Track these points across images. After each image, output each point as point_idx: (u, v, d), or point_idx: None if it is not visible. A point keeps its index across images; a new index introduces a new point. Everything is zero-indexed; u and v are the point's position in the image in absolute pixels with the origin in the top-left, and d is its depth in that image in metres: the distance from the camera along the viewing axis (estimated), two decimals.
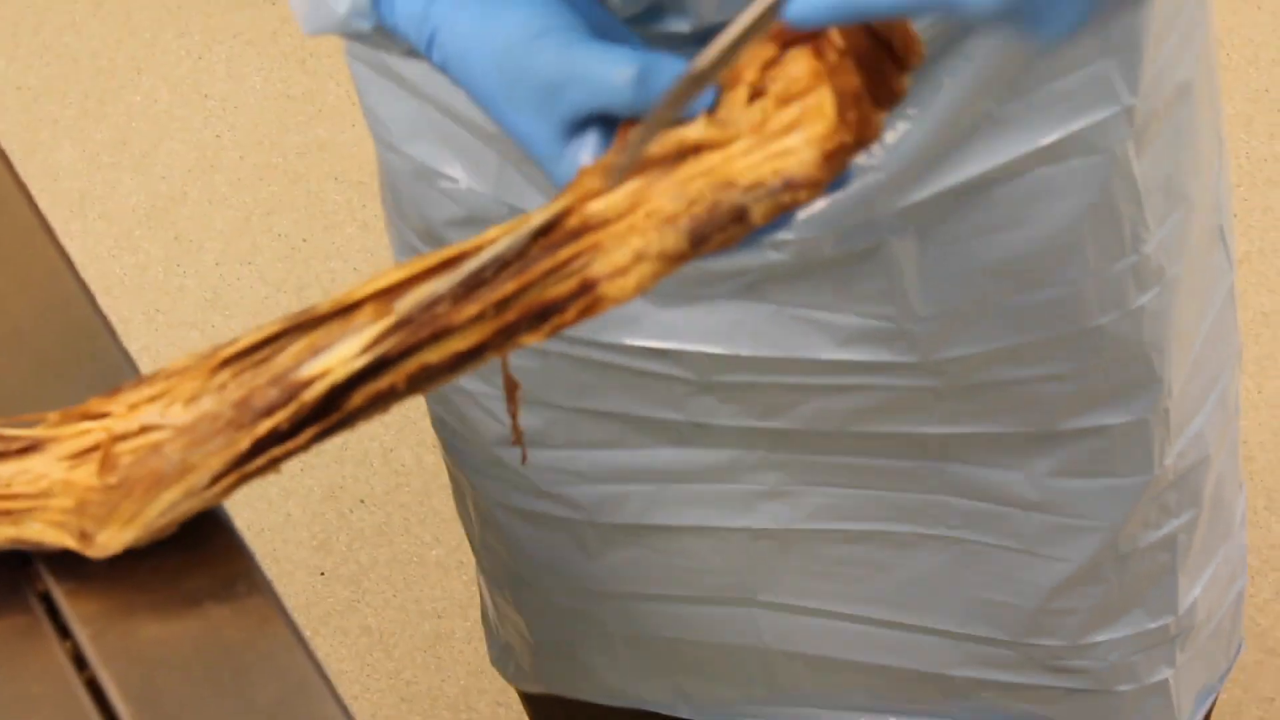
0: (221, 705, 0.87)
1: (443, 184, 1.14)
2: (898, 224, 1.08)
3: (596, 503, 1.28)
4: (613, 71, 0.83)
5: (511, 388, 1.00)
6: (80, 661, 0.89)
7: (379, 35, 0.91)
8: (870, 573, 1.29)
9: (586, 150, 0.86)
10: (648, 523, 1.28)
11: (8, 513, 0.91)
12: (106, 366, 1.01)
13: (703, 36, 0.88)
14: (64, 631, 0.91)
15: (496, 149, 1.09)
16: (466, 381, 1.25)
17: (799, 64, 0.84)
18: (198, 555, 0.92)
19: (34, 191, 1.11)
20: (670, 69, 0.83)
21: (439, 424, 1.34)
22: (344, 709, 0.87)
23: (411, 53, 0.91)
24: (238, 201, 2.55)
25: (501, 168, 1.11)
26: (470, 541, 1.44)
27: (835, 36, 0.81)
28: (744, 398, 1.19)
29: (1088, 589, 1.27)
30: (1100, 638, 1.30)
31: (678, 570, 1.31)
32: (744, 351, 1.15)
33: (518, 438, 1.04)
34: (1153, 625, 1.30)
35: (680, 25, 0.96)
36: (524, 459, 1.08)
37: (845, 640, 1.34)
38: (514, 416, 1.02)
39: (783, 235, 1.08)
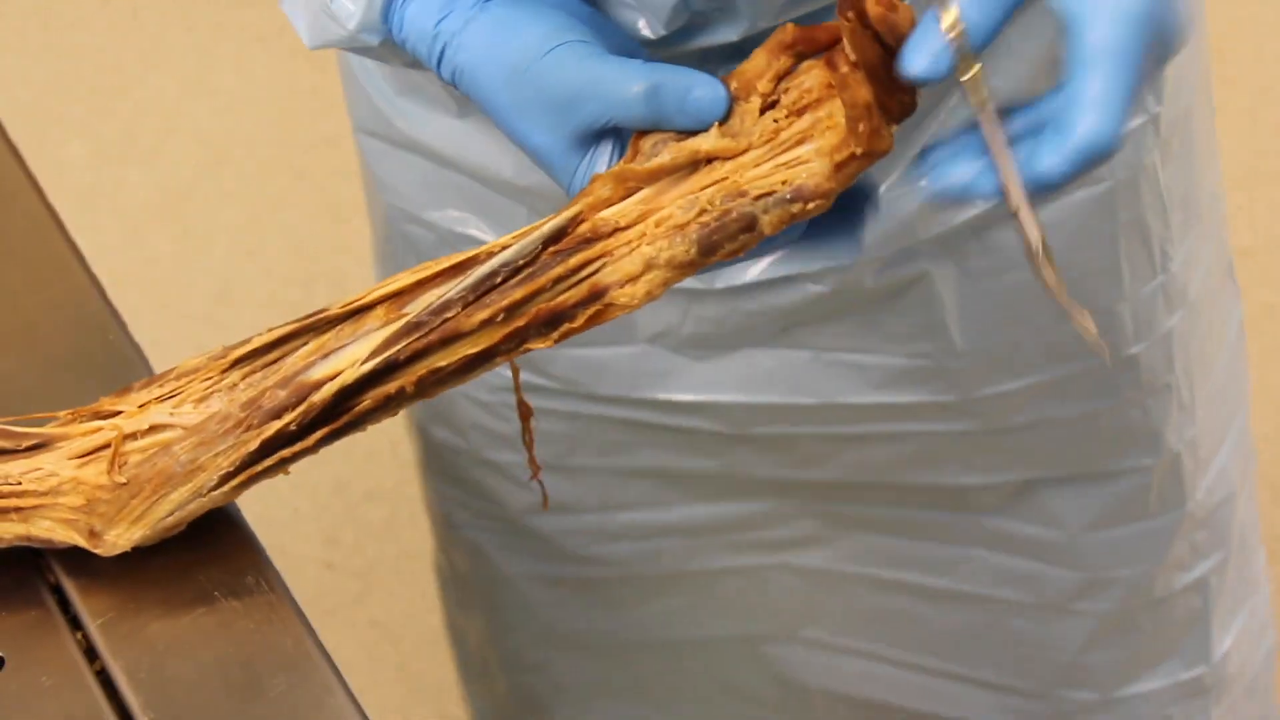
0: (230, 697, 0.87)
1: (471, 247, 1.12)
2: (938, 252, 1.07)
3: (629, 559, 1.27)
4: (627, 85, 0.84)
5: (525, 414, 1.01)
6: (91, 653, 0.90)
7: (385, 50, 0.91)
8: (907, 620, 1.28)
9: (600, 161, 0.86)
10: (684, 569, 1.28)
11: (17, 510, 0.91)
12: (117, 360, 1.01)
13: (748, 47, 0.89)
14: (75, 623, 0.91)
15: (527, 204, 1.09)
16: (494, 453, 1.24)
17: (812, 76, 0.85)
18: (207, 548, 0.92)
19: (44, 186, 1.12)
20: (681, 82, 0.84)
21: (450, 511, 1.31)
22: (352, 700, 0.88)
23: (416, 64, 0.91)
24: (246, 196, 2.55)
25: (532, 220, 1.10)
26: (456, 628, 1.42)
27: (847, 49, 0.82)
28: (780, 448, 1.18)
29: (1121, 639, 1.26)
30: (1134, 689, 1.29)
31: (717, 609, 1.30)
32: (780, 399, 1.15)
33: (535, 472, 1.04)
34: (1186, 676, 1.29)
35: (729, 34, 0.95)
36: (545, 504, 1.08)
37: (885, 684, 1.33)
38: (530, 447, 1.02)
39: (822, 265, 1.08)
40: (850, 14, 0.81)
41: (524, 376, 1.14)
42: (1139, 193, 1.08)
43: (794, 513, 1.22)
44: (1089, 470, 1.18)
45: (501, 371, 1.00)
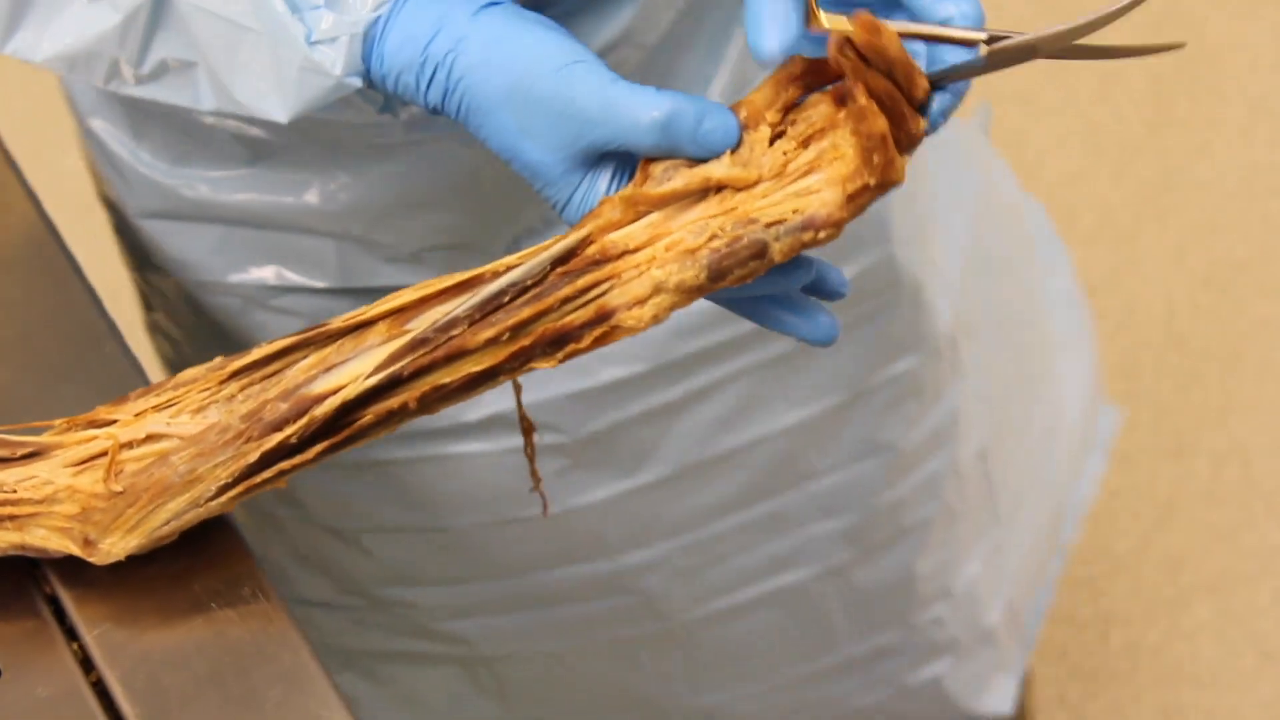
0: (226, 707, 0.87)
1: (280, 300, 1.12)
2: None
3: (486, 636, 1.28)
4: (641, 113, 0.83)
5: (528, 429, 1.01)
6: (87, 663, 0.90)
7: (361, 95, 0.91)
8: (765, 642, 1.32)
9: (601, 182, 0.86)
10: (547, 649, 1.29)
11: (12, 518, 0.91)
12: (113, 371, 1.01)
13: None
14: (71, 633, 0.91)
15: (335, 237, 1.08)
16: (343, 522, 1.24)
17: (819, 109, 0.86)
18: (203, 558, 0.92)
19: (41, 196, 1.12)
20: (694, 111, 0.84)
21: (299, 591, 1.31)
22: (348, 709, 0.88)
23: (388, 108, 0.91)
24: None
25: (341, 252, 1.09)
26: None
27: (855, 89, 0.83)
28: (613, 449, 1.19)
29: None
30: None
31: (578, 697, 1.32)
32: (610, 377, 1.16)
33: (537, 483, 1.04)
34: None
35: None
36: (545, 509, 1.09)
37: (783, 712, 1.36)
38: (531, 460, 1.02)
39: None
40: (849, 52, 0.82)
41: None
42: None
43: (642, 565, 1.25)
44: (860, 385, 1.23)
45: None
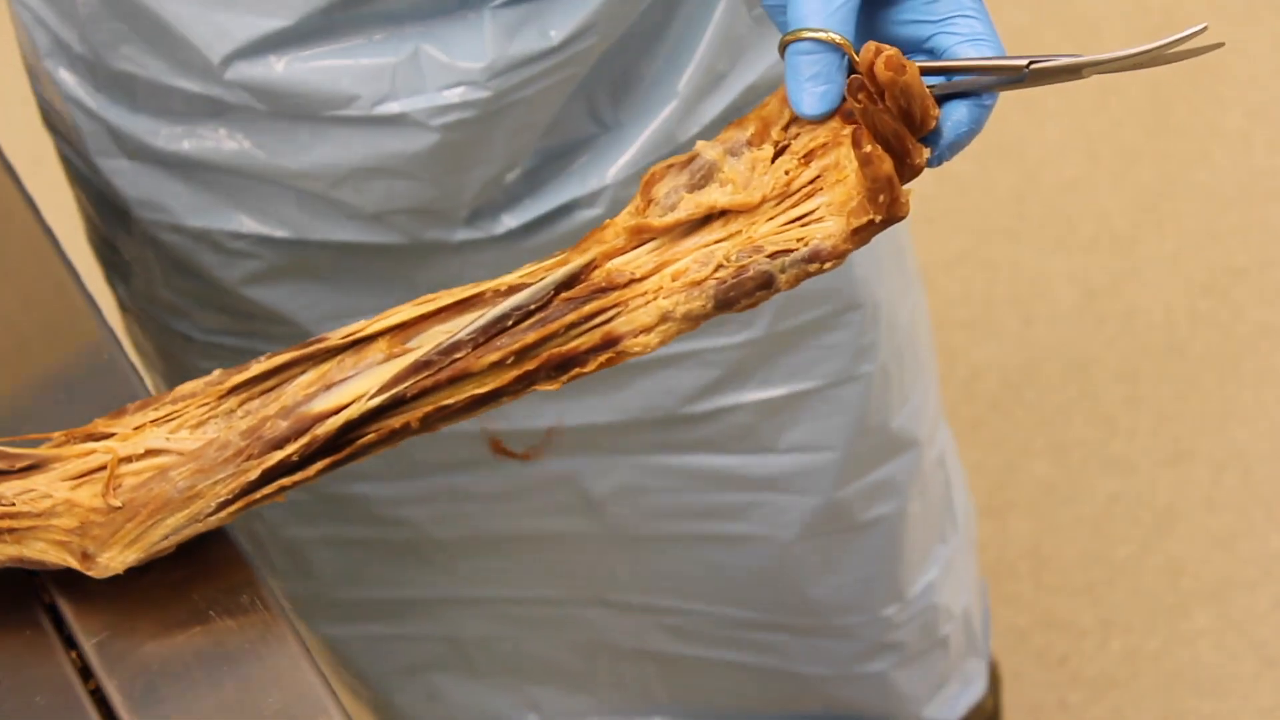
0: (225, 716, 0.88)
1: (235, 245, 1.13)
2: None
3: (434, 520, 1.29)
4: None
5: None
6: (85, 672, 0.90)
7: None
8: (708, 571, 1.33)
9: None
10: (491, 533, 1.30)
11: (10, 531, 0.91)
12: (113, 380, 1.02)
13: None
14: (69, 642, 0.91)
15: (293, 188, 1.09)
16: None
17: (822, 124, 0.86)
18: (201, 567, 0.92)
19: (40, 205, 1.12)
20: None
21: None
22: (346, 716, 0.88)
23: None
24: None
25: (302, 204, 1.10)
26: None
27: (868, 129, 0.84)
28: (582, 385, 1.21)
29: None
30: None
31: (526, 574, 1.34)
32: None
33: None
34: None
35: None
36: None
37: (694, 635, 1.37)
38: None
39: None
40: (861, 96, 0.83)
41: None
42: None
43: (597, 469, 1.26)
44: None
45: None
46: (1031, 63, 0.84)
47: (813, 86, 0.85)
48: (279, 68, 1.03)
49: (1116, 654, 1.92)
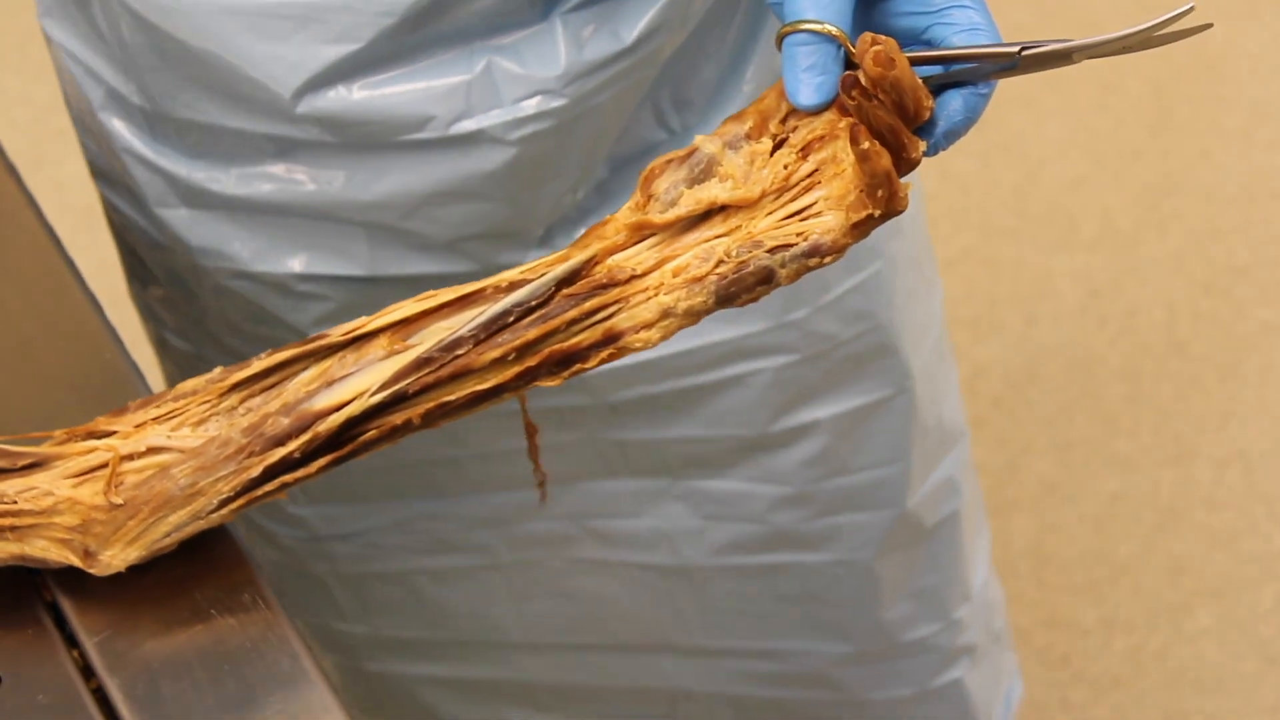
0: (226, 714, 0.88)
1: (304, 287, 1.11)
2: None
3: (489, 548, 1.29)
4: None
5: (531, 431, 1.01)
6: (87, 671, 0.90)
7: None
8: (781, 605, 1.33)
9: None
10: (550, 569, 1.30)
11: (13, 529, 0.91)
12: (114, 378, 1.02)
13: None
14: (71, 641, 0.91)
15: (363, 224, 1.08)
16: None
17: (821, 117, 0.86)
18: (202, 565, 0.92)
19: (42, 205, 1.12)
20: None
21: (316, 528, 1.31)
22: (346, 714, 0.88)
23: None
24: None
25: (372, 240, 1.09)
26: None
27: (864, 125, 0.84)
28: (641, 413, 1.20)
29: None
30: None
31: (591, 619, 1.33)
32: (641, 357, 1.17)
33: (541, 480, 1.04)
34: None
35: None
36: (543, 497, 1.10)
37: (771, 677, 1.37)
38: (534, 457, 1.02)
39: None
40: (854, 93, 0.83)
41: None
42: None
43: (655, 494, 1.25)
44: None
45: None
46: (1024, 49, 0.84)
47: (809, 78, 0.85)
48: (352, 95, 1.01)
49: (1119, 653, 1.92)
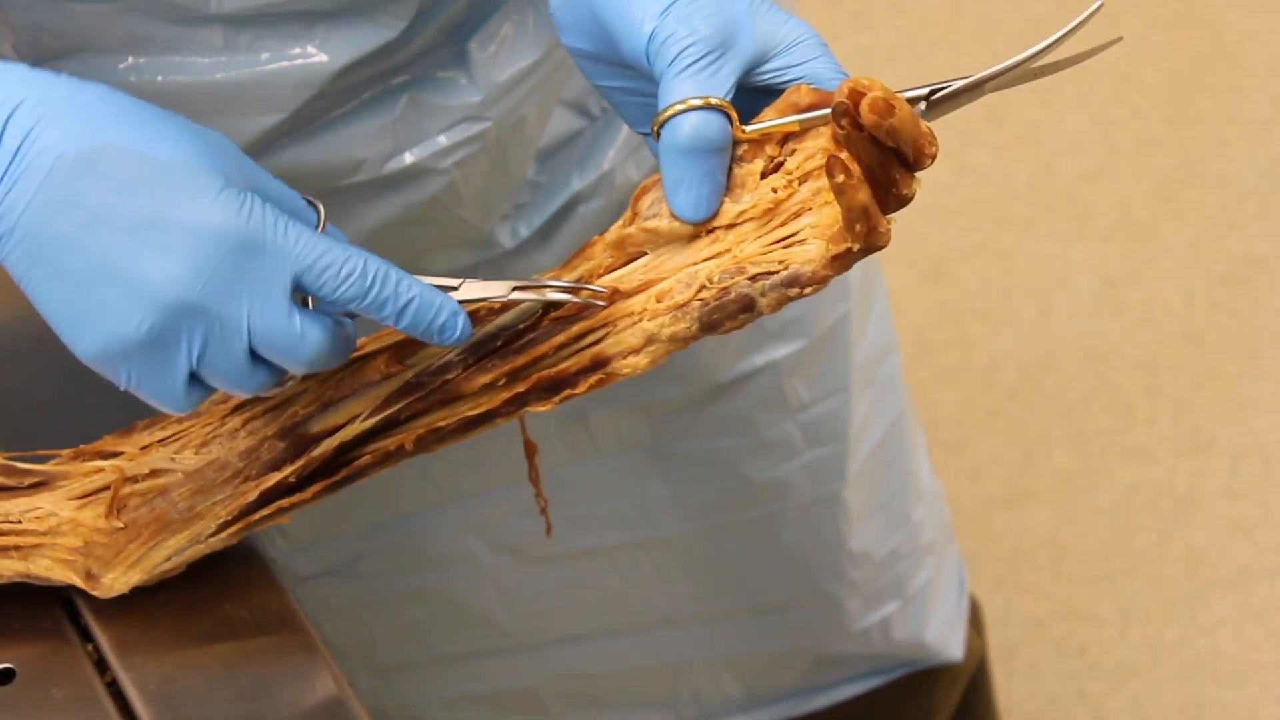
0: (240, 708, 0.88)
1: None
2: None
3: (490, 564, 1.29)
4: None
5: (531, 451, 1.01)
6: (102, 665, 0.90)
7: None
8: (765, 557, 1.34)
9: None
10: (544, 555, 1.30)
11: (17, 548, 0.91)
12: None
13: None
14: (86, 635, 0.92)
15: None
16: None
17: (817, 140, 0.84)
18: (215, 558, 0.93)
19: None
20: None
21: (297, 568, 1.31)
22: (360, 703, 0.88)
23: None
24: None
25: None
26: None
27: (847, 156, 0.81)
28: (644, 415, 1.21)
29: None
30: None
31: (583, 607, 1.34)
32: None
33: (544, 506, 1.04)
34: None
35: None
36: (549, 530, 1.10)
37: (761, 629, 1.38)
38: (536, 482, 1.02)
39: None
40: (844, 121, 0.81)
41: None
42: None
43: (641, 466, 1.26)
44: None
45: None
46: (933, 92, 0.83)
47: (686, 194, 0.84)
48: (283, 156, 1.02)
49: (1135, 643, 1.92)
